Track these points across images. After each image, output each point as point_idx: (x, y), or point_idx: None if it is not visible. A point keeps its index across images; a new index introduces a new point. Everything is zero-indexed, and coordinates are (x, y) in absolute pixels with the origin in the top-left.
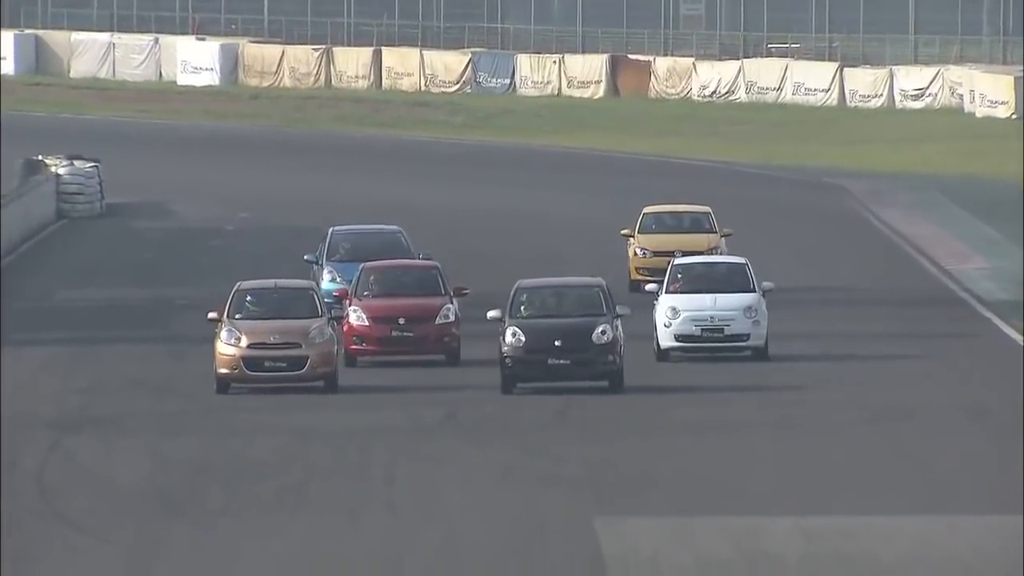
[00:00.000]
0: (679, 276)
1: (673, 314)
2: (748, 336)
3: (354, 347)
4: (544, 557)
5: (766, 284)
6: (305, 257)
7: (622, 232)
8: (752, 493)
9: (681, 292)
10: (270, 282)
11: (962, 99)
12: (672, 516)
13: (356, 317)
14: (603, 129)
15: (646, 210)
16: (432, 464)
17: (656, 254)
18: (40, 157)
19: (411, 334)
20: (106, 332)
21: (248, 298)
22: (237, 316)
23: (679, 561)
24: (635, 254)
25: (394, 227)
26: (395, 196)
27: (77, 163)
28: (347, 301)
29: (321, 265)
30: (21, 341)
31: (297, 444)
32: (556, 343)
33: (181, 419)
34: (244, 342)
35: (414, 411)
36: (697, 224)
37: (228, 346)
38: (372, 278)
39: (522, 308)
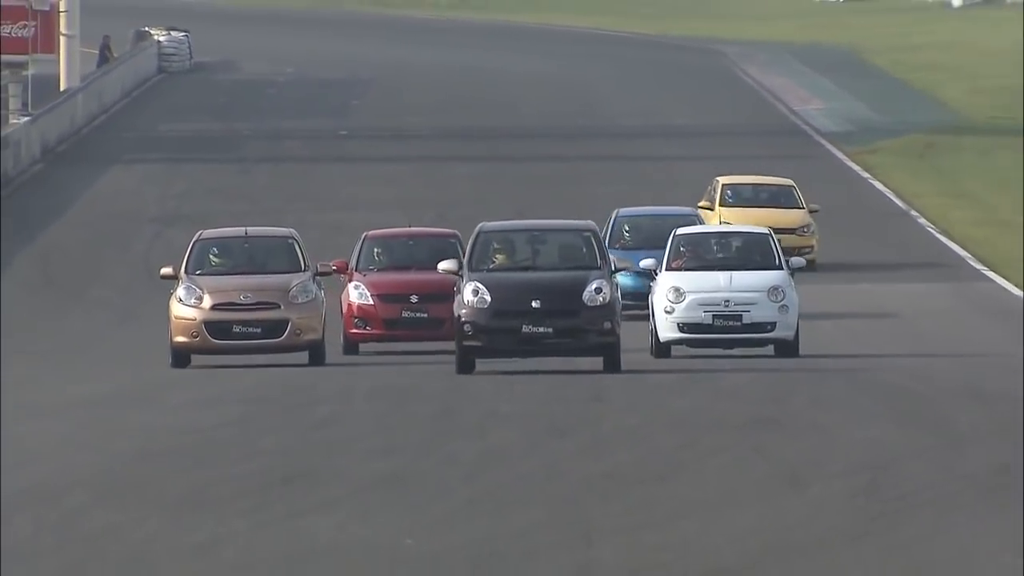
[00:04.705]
0: (682, 249)
1: (676, 296)
2: (773, 325)
3: (356, 331)
4: None
5: (795, 260)
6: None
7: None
8: None
9: (686, 269)
10: (239, 229)
11: None
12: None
13: (358, 294)
14: (550, 9)
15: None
16: None
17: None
18: (146, 28)
19: (425, 315)
20: (193, 155)
21: (212, 249)
22: (198, 272)
23: None
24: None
25: (688, 209)
26: (396, 58)
27: (173, 32)
28: (346, 276)
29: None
30: (131, 160)
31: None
32: (533, 304)
33: (251, 217)
34: (207, 302)
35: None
36: (775, 199)
37: (187, 307)
38: (377, 248)
39: (487, 257)
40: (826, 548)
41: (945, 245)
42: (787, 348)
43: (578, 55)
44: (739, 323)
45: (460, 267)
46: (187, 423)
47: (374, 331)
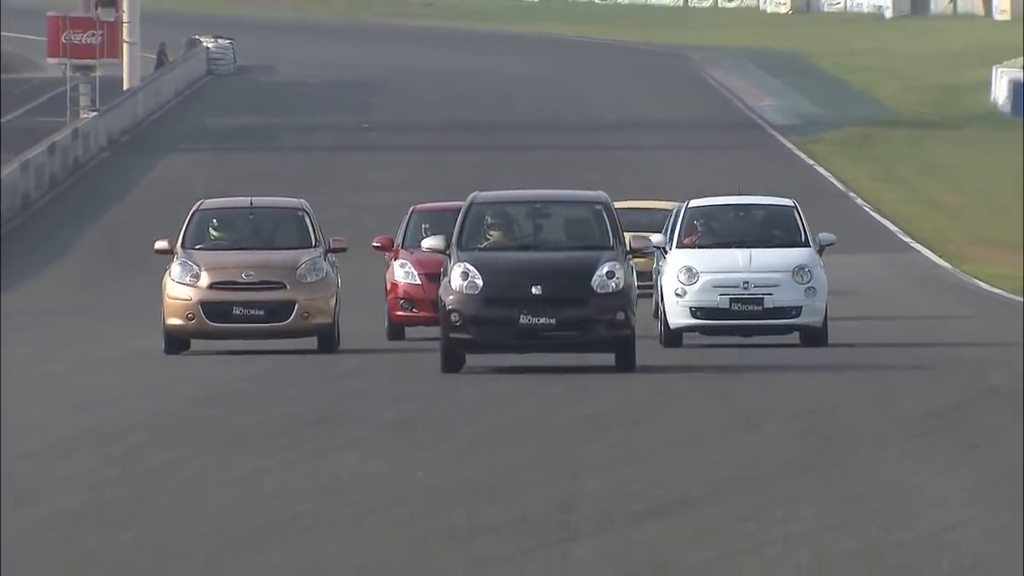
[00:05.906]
0: (696, 224)
1: (689, 277)
2: (799, 310)
3: (402, 313)
4: None
5: (824, 236)
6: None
7: None
8: None
9: (700, 246)
10: (244, 199)
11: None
12: None
13: (404, 273)
14: (544, 19)
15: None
16: None
17: None
18: (197, 36)
19: None
20: (237, 145)
21: (212, 221)
22: (196, 246)
23: None
24: None
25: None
26: (408, 62)
27: (220, 40)
28: (391, 254)
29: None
30: (184, 149)
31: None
32: (534, 290)
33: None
34: (205, 280)
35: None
36: None
37: (182, 286)
38: (425, 224)
39: (480, 234)
40: (778, 479)
41: (879, 222)
42: (815, 336)
43: (568, 59)
44: (760, 308)
45: (448, 245)
46: (228, 374)
47: (422, 314)
